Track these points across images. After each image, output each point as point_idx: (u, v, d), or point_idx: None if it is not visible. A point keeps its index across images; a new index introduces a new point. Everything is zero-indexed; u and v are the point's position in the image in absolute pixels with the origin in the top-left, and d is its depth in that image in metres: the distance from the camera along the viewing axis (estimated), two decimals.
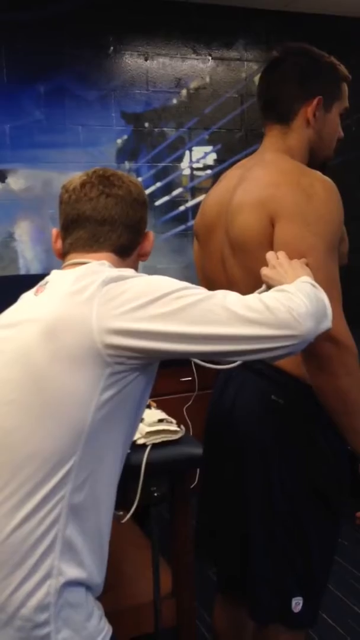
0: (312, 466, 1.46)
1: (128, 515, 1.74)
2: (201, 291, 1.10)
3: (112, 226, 1.20)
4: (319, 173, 1.40)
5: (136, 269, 1.27)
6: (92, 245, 1.20)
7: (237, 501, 1.53)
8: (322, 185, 1.36)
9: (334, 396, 1.34)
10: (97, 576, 1.12)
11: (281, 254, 1.30)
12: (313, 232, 1.31)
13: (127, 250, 1.24)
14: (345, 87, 1.51)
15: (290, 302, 1.08)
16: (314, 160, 1.51)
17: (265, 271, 1.29)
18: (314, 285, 1.19)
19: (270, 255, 1.31)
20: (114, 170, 1.27)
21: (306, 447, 1.45)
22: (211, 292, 1.10)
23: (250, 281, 1.43)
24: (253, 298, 1.10)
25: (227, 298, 1.08)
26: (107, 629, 1.15)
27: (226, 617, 1.77)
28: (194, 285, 1.11)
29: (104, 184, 1.21)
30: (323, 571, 1.55)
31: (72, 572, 1.05)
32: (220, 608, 1.78)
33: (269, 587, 1.50)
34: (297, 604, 1.49)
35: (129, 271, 1.16)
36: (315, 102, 1.46)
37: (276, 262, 1.29)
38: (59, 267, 1.28)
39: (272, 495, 1.47)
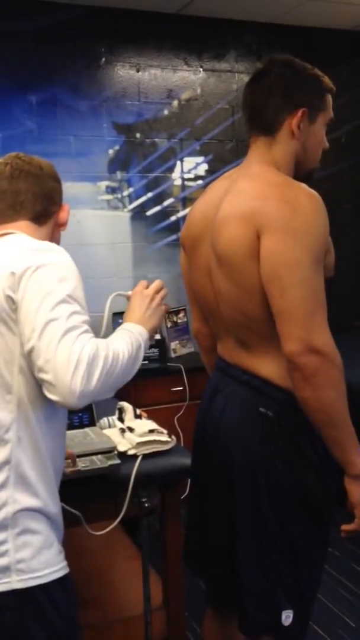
0: (300, 478, 1.46)
1: (113, 524, 1.73)
2: (75, 320, 1.19)
3: (26, 195, 1.39)
4: (304, 185, 1.40)
5: (56, 239, 1.50)
6: (11, 215, 1.37)
7: (225, 514, 1.52)
8: (307, 197, 1.36)
9: (319, 408, 1.34)
10: (52, 505, 1.26)
11: (151, 289, 1.46)
12: (299, 245, 1.32)
13: (43, 218, 1.43)
14: (329, 99, 1.52)
15: (95, 371, 1.16)
16: (300, 171, 1.52)
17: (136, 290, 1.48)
18: (139, 348, 1.34)
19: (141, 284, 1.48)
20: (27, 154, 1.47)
21: (294, 459, 1.45)
22: (76, 326, 1.18)
23: (236, 293, 1.43)
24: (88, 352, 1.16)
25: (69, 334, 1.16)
26: (65, 565, 1.29)
27: (216, 631, 1.76)
28: (78, 309, 1.23)
29: (17, 163, 1.42)
30: (312, 583, 1.55)
31: (27, 501, 1.21)
32: (210, 621, 1.78)
33: (258, 600, 1.49)
34: (287, 617, 1.48)
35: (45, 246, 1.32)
36: (299, 113, 1.47)
37: (144, 292, 1.47)
38: None
39: (260, 508, 1.46)
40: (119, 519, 1.70)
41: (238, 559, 1.50)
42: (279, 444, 1.44)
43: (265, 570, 1.48)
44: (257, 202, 1.38)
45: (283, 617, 1.48)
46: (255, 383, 1.47)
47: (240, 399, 1.50)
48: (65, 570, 1.29)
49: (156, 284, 1.48)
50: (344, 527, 1.43)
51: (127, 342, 1.31)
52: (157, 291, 1.47)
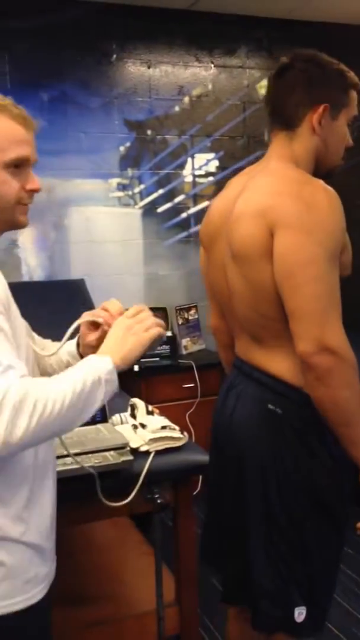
0: (312, 476, 1.44)
1: (130, 496, 1.73)
2: None
3: None
4: (321, 182, 1.39)
5: None
6: None
7: (238, 511, 1.52)
8: (324, 194, 1.35)
9: (333, 408, 1.33)
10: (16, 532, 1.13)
11: (130, 312, 1.21)
12: (313, 242, 1.30)
13: None
14: (354, 95, 1.48)
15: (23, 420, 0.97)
16: (320, 168, 1.49)
17: (110, 321, 1.22)
18: (95, 384, 1.09)
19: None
20: None
21: (304, 457, 1.43)
22: None
23: (249, 291, 1.43)
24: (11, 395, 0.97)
25: None
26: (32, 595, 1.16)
27: (241, 631, 1.75)
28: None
29: None
30: (327, 581, 1.53)
31: None
32: (235, 622, 1.77)
33: (271, 597, 1.49)
34: (300, 614, 1.47)
35: None
36: (321, 109, 1.44)
37: (121, 319, 1.20)
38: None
39: (270, 505, 1.46)
40: (134, 493, 1.70)
41: (251, 556, 1.49)
42: (289, 441, 1.43)
43: (278, 567, 1.47)
44: (271, 198, 1.36)
45: (296, 613, 1.47)
46: (265, 380, 1.46)
47: (251, 396, 1.49)
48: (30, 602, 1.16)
49: (133, 308, 1.22)
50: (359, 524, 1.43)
51: (77, 380, 1.06)
52: (136, 314, 1.20)
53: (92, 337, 1.27)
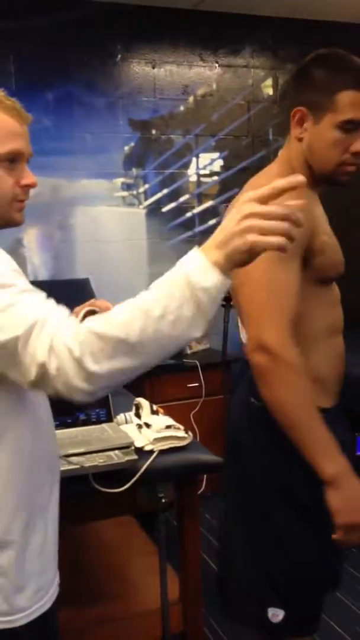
0: (283, 473, 1.41)
1: (131, 482, 1.74)
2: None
3: None
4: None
5: None
6: None
7: (224, 503, 1.55)
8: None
9: (275, 409, 1.30)
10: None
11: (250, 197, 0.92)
12: None
13: None
14: (343, 97, 1.34)
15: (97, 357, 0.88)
16: (316, 175, 1.43)
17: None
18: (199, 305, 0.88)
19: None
20: None
21: (277, 452, 1.39)
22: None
23: (233, 289, 1.39)
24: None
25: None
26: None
27: None
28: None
29: None
30: (305, 585, 1.46)
31: None
32: None
33: (243, 590, 1.48)
34: (274, 615, 1.43)
35: None
36: (295, 113, 1.40)
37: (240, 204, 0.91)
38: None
39: (245, 497, 1.45)
40: (130, 483, 1.70)
41: (229, 547, 1.52)
42: (263, 435, 1.40)
43: (252, 561, 1.45)
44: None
45: (269, 613, 1.44)
46: (250, 374, 1.43)
47: (240, 389, 1.51)
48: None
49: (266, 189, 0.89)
50: (333, 536, 1.33)
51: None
52: (262, 200, 0.87)
53: None
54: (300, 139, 1.42)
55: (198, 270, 0.88)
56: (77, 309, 1.34)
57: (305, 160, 1.43)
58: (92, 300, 1.33)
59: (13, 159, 1.09)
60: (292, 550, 1.44)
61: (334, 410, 1.49)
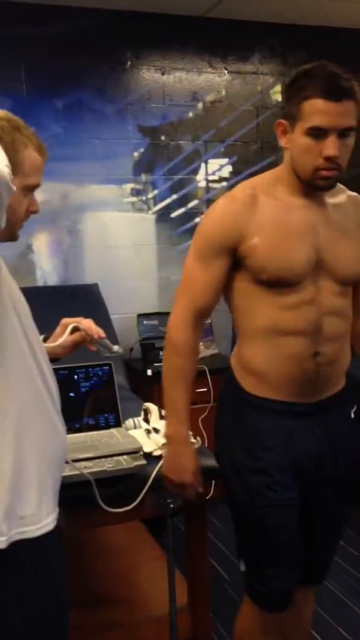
0: (229, 440, 1.64)
1: (136, 502, 1.74)
2: None
3: None
4: (240, 189, 1.56)
5: None
6: None
7: None
8: (219, 202, 1.56)
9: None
10: None
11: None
12: (192, 243, 1.59)
13: None
14: (308, 105, 1.41)
15: None
16: (302, 181, 1.51)
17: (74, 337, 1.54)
18: None
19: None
20: None
21: (230, 433, 1.64)
22: None
23: None
24: None
25: None
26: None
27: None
28: None
29: None
30: (254, 545, 1.63)
31: None
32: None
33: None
34: (241, 563, 1.67)
35: None
36: (276, 125, 1.51)
37: None
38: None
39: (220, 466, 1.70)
40: (140, 497, 1.70)
41: None
42: (225, 416, 1.67)
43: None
44: None
45: (240, 560, 1.67)
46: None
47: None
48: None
49: None
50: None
51: None
52: None
53: (69, 338, 1.52)
54: (286, 149, 1.52)
55: None
56: (65, 320, 1.56)
57: (290, 169, 1.53)
58: (80, 319, 1.56)
59: (32, 189, 1.28)
60: (238, 513, 1.65)
61: (288, 406, 1.57)
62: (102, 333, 1.56)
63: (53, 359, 1.34)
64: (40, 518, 1.13)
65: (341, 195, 1.63)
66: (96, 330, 1.55)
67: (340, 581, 2.58)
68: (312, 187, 1.51)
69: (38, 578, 1.12)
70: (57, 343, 1.48)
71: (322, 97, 1.40)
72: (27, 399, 1.13)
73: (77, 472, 1.65)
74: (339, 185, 1.63)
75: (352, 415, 1.69)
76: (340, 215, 1.59)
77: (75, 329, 1.53)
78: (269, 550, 1.62)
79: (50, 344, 1.46)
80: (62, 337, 1.49)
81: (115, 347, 1.59)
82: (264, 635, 1.69)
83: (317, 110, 1.41)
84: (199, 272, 1.56)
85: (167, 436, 1.62)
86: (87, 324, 1.54)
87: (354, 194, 1.67)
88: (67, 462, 1.66)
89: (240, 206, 1.52)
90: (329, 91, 1.39)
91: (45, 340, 1.46)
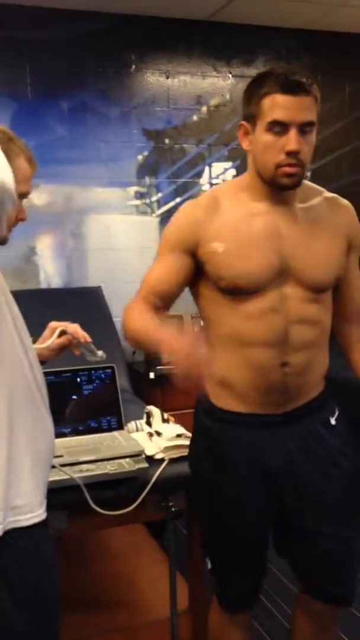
0: (194, 450, 1.70)
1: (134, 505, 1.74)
2: None
3: None
4: (205, 195, 1.61)
5: None
6: None
7: None
8: (184, 204, 1.61)
9: (128, 339, 1.59)
10: None
11: None
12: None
13: None
14: (267, 101, 1.43)
15: None
16: (264, 182, 1.50)
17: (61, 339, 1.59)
18: None
19: None
20: None
21: (194, 438, 1.71)
22: None
23: None
24: None
25: None
26: None
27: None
28: None
29: None
30: (216, 548, 1.68)
31: None
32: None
33: None
34: (207, 562, 1.73)
35: None
36: (238, 128, 1.52)
37: None
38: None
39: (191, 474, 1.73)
40: (139, 500, 1.71)
41: None
42: (195, 428, 1.69)
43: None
44: None
45: (208, 562, 1.74)
46: None
47: None
48: None
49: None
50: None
51: None
52: None
53: (56, 342, 1.58)
54: (249, 152, 1.52)
55: None
56: (53, 324, 1.61)
57: (254, 170, 1.52)
58: (67, 323, 1.61)
59: (22, 197, 1.34)
60: (203, 515, 1.70)
61: (254, 417, 1.55)
62: (87, 338, 1.61)
63: (40, 362, 1.36)
64: (32, 508, 1.16)
65: (316, 198, 1.59)
66: (82, 335, 1.60)
67: None
68: (276, 186, 1.48)
69: (28, 560, 1.15)
70: (44, 345, 1.54)
71: (280, 91, 1.41)
72: (20, 391, 1.15)
73: (77, 475, 1.66)
74: (317, 188, 1.61)
75: (333, 422, 1.61)
76: (311, 219, 1.55)
77: (63, 333, 1.59)
78: (232, 561, 1.64)
79: (38, 345, 1.51)
80: (50, 339, 1.55)
81: (100, 352, 1.63)
82: (233, 628, 1.71)
83: (276, 104, 1.42)
84: (154, 267, 1.62)
85: (160, 341, 1.41)
86: (74, 328, 1.60)
87: (333, 195, 1.63)
88: (66, 465, 1.67)
89: (201, 212, 1.54)
90: (286, 86, 1.41)
91: (33, 342, 1.48)
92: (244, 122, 1.50)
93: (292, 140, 1.41)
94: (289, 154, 1.43)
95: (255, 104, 1.45)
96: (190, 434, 1.90)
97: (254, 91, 1.47)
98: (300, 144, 1.42)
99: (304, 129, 1.43)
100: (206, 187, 3.73)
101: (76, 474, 1.66)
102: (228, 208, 1.53)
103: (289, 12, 3.49)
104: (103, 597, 2.10)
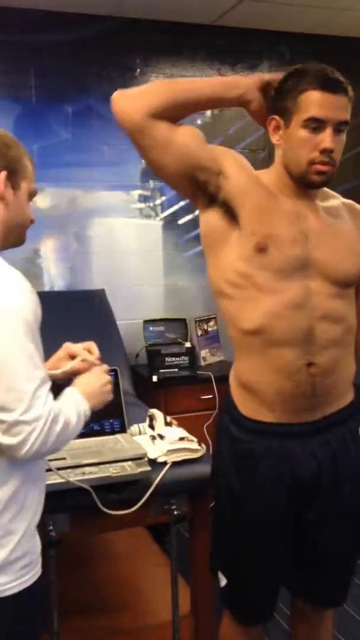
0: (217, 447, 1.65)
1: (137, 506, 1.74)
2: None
3: None
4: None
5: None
6: None
7: None
8: None
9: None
10: None
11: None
12: None
13: None
14: (305, 97, 1.41)
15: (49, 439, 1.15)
16: (292, 178, 1.49)
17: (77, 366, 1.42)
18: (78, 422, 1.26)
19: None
20: None
21: (220, 445, 1.63)
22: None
23: None
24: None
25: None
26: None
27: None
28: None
29: None
30: (236, 560, 1.61)
31: None
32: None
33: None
34: (221, 578, 1.63)
35: None
36: (268, 122, 1.50)
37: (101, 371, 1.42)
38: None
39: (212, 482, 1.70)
40: (142, 502, 1.70)
41: None
42: (220, 434, 1.64)
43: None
44: None
45: (219, 574, 1.64)
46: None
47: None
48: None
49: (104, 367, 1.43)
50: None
51: (76, 410, 1.26)
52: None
53: (68, 365, 1.43)
54: (278, 146, 1.50)
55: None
56: (69, 346, 1.47)
57: (284, 166, 1.50)
58: (86, 350, 1.46)
59: (32, 197, 1.34)
60: (214, 526, 1.68)
61: (283, 427, 1.51)
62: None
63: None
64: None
65: (334, 200, 1.59)
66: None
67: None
68: (305, 183, 1.47)
69: None
70: (60, 371, 1.43)
71: (319, 89, 1.41)
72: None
73: (80, 478, 1.66)
74: (332, 193, 1.60)
75: None
76: (333, 217, 1.55)
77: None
78: (252, 573, 1.59)
79: (53, 372, 1.40)
80: (69, 365, 1.43)
81: None
82: None
83: (315, 101, 1.41)
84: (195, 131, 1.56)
85: (244, 90, 1.50)
86: (95, 356, 1.46)
87: (349, 201, 1.63)
88: (69, 468, 1.67)
89: (249, 166, 1.53)
90: (326, 84, 1.41)
91: (46, 360, 1.44)
92: (275, 116, 1.48)
93: (327, 138, 1.41)
94: (323, 151, 1.42)
95: (292, 99, 1.43)
96: (193, 438, 1.90)
97: (290, 87, 1.44)
98: (334, 144, 1.43)
99: (338, 128, 1.43)
100: None
101: (79, 476, 1.66)
102: (263, 184, 1.52)
103: (294, 17, 3.50)
104: (105, 600, 2.10)
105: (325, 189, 1.58)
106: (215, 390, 3.24)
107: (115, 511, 1.68)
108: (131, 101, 1.52)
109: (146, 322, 3.49)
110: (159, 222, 3.65)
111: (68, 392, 1.31)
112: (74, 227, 3.45)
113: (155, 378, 3.14)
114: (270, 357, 1.47)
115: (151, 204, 3.63)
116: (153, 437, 1.93)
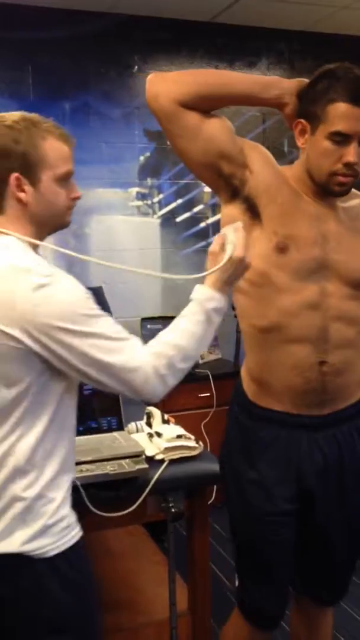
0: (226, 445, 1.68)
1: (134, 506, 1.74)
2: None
3: None
4: None
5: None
6: None
7: None
8: None
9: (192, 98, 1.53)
10: None
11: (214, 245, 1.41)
12: None
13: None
14: (333, 109, 1.40)
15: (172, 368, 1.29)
16: (314, 183, 1.49)
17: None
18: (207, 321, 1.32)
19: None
20: None
21: (230, 435, 1.67)
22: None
23: None
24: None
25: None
26: None
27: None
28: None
29: None
30: (247, 559, 1.64)
31: None
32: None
33: None
34: (236, 578, 1.66)
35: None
36: (295, 125, 1.48)
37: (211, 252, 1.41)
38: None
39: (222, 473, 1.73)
40: (139, 502, 1.71)
41: None
42: (230, 424, 1.67)
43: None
44: None
45: (235, 576, 1.68)
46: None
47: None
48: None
49: (217, 237, 1.39)
50: None
51: (196, 326, 1.31)
52: (222, 245, 1.36)
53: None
54: (303, 149, 1.49)
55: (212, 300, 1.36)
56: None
57: (304, 169, 1.50)
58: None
59: (66, 178, 1.31)
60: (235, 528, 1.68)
61: (292, 417, 1.53)
62: None
63: None
64: None
65: (354, 200, 1.59)
66: None
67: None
68: (326, 191, 1.48)
69: None
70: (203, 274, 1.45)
71: (349, 102, 1.39)
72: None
73: (77, 476, 1.65)
74: (354, 191, 1.59)
75: None
76: (351, 217, 1.55)
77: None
78: (261, 567, 1.60)
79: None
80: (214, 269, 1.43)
81: None
82: None
83: (343, 114, 1.39)
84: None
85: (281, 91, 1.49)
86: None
87: None
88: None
89: (274, 162, 1.53)
90: (355, 97, 1.38)
91: None
92: (302, 120, 1.46)
93: (352, 152, 1.41)
94: (347, 165, 1.42)
95: (321, 107, 1.41)
96: (190, 436, 1.90)
97: (320, 92, 1.42)
98: (358, 156, 1.42)
99: None
100: (208, 188, 3.72)
101: (76, 474, 1.66)
102: (286, 182, 1.51)
103: (293, 14, 3.50)
104: (102, 597, 2.10)
105: None
106: (213, 388, 3.25)
107: (112, 510, 1.68)
108: (165, 87, 1.49)
109: (144, 319, 3.48)
110: (157, 220, 3.64)
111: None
112: (72, 224, 3.41)
113: None
114: (283, 353, 1.49)
115: (149, 202, 3.63)
116: (150, 435, 1.93)
